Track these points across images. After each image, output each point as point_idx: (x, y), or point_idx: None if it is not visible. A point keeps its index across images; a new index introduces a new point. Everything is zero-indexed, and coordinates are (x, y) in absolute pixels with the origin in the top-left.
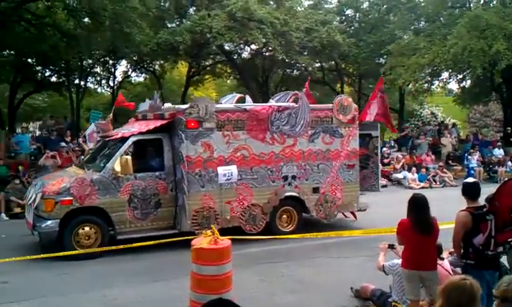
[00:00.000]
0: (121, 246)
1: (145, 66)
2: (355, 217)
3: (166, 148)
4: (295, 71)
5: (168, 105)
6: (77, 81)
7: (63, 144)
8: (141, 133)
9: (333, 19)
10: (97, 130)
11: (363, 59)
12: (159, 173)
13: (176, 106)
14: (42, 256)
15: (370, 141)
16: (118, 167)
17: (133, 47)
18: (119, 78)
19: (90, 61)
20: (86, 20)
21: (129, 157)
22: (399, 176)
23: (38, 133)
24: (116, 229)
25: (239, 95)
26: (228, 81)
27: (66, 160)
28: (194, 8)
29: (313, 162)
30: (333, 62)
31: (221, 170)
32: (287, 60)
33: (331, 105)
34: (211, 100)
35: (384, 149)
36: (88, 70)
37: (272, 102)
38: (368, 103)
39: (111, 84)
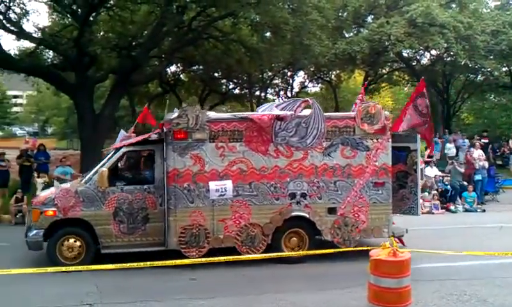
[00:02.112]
0: (302, 252)
1: (322, 76)
2: (402, 242)
3: (158, 161)
4: (479, 76)
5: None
6: (257, 93)
7: None
8: (132, 144)
9: None
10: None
11: None
12: (148, 186)
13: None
14: (231, 258)
15: (408, 156)
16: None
17: (312, 58)
18: (296, 88)
19: (270, 73)
20: (268, 34)
21: (105, 170)
22: None
23: None
24: (102, 243)
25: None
26: (405, 89)
27: None
28: (372, 16)
29: (329, 178)
30: None
31: (213, 185)
32: (470, 65)
33: (353, 113)
34: (202, 109)
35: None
36: (268, 81)
37: (275, 111)
38: (404, 110)
39: (289, 94)
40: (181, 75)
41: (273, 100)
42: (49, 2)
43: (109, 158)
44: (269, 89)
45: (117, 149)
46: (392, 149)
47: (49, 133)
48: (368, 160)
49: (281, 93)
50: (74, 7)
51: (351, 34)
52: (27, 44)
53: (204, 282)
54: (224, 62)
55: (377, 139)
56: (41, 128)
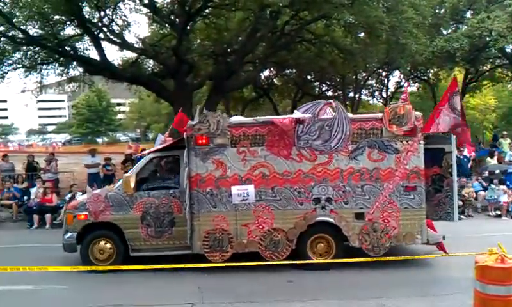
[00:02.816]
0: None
1: (419, 75)
2: (443, 250)
3: (182, 166)
4: None
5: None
6: (351, 94)
7: None
8: (158, 150)
9: None
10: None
11: None
12: (173, 191)
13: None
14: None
15: (443, 158)
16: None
17: (408, 57)
18: (391, 89)
19: (364, 74)
20: (362, 34)
21: (129, 175)
22: None
23: None
24: (131, 246)
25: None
26: (509, 86)
27: None
28: (472, 12)
29: (355, 182)
30: None
31: (235, 189)
32: None
33: (380, 114)
34: (223, 114)
35: None
36: (362, 82)
37: (298, 114)
38: (436, 110)
39: (384, 95)
40: (274, 79)
41: (367, 102)
42: (149, 14)
43: (138, 165)
44: (363, 90)
45: (143, 156)
46: (429, 151)
47: (150, 138)
48: (398, 163)
49: (376, 93)
50: (172, 17)
51: (449, 30)
52: (129, 54)
53: (302, 284)
54: (317, 65)
55: (407, 141)
56: (143, 133)
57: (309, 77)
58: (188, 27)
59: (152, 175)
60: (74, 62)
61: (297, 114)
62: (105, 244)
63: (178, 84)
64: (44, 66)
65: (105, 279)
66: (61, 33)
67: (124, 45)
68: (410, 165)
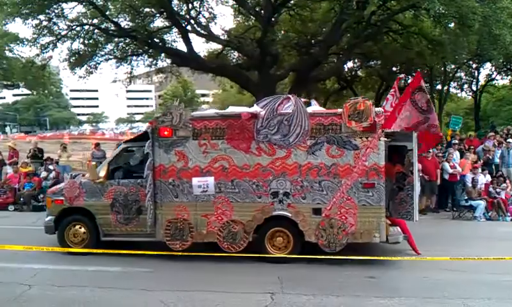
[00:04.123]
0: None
1: None
2: (415, 250)
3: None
4: None
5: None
6: (439, 87)
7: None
8: (130, 140)
9: None
10: None
11: None
12: (141, 181)
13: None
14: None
15: (405, 156)
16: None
17: (501, 48)
18: (482, 81)
19: (453, 66)
20: (452, 25)
21: (94, 163)
22: None
23: None
24: (103, 231)
25: (304, 100)
26: None
27: None
28: None
29: (313, 178)
30: None
31: (195, 181)
32: None
33: (339, 109)
34: (186, 108)
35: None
36: (451, 74)
37: (257, 108)
38: (398, 106)
39: (473, 88)
40: (358, 71)
41: (455, 95)
42: (235, 6)
43: (112, 154)
44: (451, 83)
45: (118, 145)
46: (393, 149)
47: None
48: (356, 159)
49: (465, 86)
50: (257, 9)
51: None
52: (215, 46)
53: (382, 281)
54: (403, 56)
55: (366, 138)
56: None
57: (394, 69)
58: (273, 19)
59: (124, 165)
60: (163, 54)
61: (254, 107)
62: (80, 228)
63: (262, 75)
64: (134, 58)
65: (184, 264)
66: (151, 25)
67: (210, 37)
68: (369, 162)
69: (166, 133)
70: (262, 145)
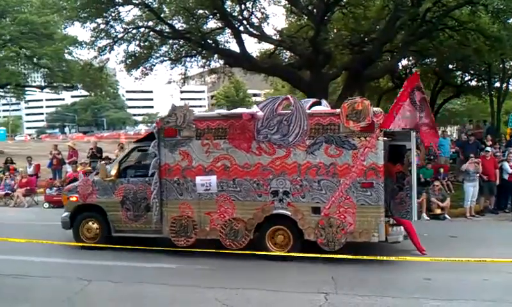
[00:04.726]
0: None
1: None
2: (419, 249)
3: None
4: None
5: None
6: (497, 84)
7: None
8: (140, 140)
9: None
10: None
11: None
12: (149, 179)
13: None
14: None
15: (404, 155)
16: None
17: None
18: None
19: None
20: (511, 21)
21: (103, 162)
22: None
23: (455, 137)
24: (114, 227)
25: (313, 100)
26: None
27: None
28: None
29: (312, 177)
30: None
31: (199, 179)
32: None
33: (338, 109)
34: (190, 108)
35: None
36: (510, 72)
37: (256, 109)
38: (396, 105)
39: None
40: (413, 69)
41: None
42: (287, 5)
43: (123, 153)
44: (511, 80)
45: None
46: (394, 148)
47: None
48: (355, 159)
49: None
50: (310, 8)
51: None
52: (267, 46)
53: (439, 283)
54: (460, 53)
55: (364, 137)
56: None
57: (450, 66)
58: (326, 18)
59: (135, 163)
60: (216, 55)
61: (254, 108)
62: (93, 224)
63: (314, 74)
64: (188, 59)
65: (238, 263)
66: (204, 27)
67: (262, 37)
68: (367, 162)
69: (170, 133)
70: (262, 145)
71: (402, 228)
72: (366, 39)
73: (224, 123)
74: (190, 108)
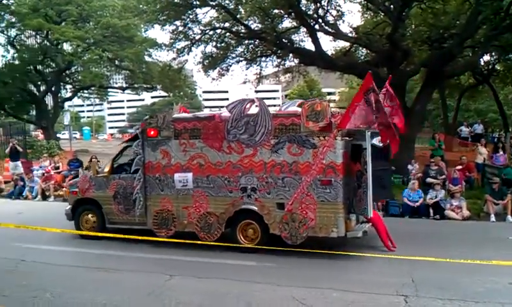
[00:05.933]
0: None
1: None
2: (387, 247)
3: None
4: None
5: None
6: None
7: None
8: (129, 140)
9: None
10: None
11: None
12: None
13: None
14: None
15: (361, 154)
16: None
17: None
18: None
19: None
20: None
21: (95, 160)
22: None
23: None
24: (108, 219)
25: (300, 101)
26: None
27: None
28: None
29: (277, 174)
30: None
31: (177, 176)
32: None
33: (299, 110)
34: (171, 111)
35: None
36: None
37: (225, 110)
38: (352, 106)
39: None
40: (496, 65)
41: None
42: (363, 2)
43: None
44: None
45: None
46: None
47: None
48: (315, 157)
49: None
50: (387, 4)
51: None
52: (342, 44)
53: None
54: None
55: (324, 137)
56: None
57: None
58: (403, 14)
59: (127, 160)
60: (291, 54)
61: (225, 110)
62: (91, 216)
63: (392, 71)
64: (263, 59)
65: (306, 260)
66: (279, 26)
67: (338, 34)
68: (327, 160)
69: (152, 133)
70: (232, 144)
71: (365, 224)
72: (446, 34)
73: (199, 124)
74: (170, 110)
